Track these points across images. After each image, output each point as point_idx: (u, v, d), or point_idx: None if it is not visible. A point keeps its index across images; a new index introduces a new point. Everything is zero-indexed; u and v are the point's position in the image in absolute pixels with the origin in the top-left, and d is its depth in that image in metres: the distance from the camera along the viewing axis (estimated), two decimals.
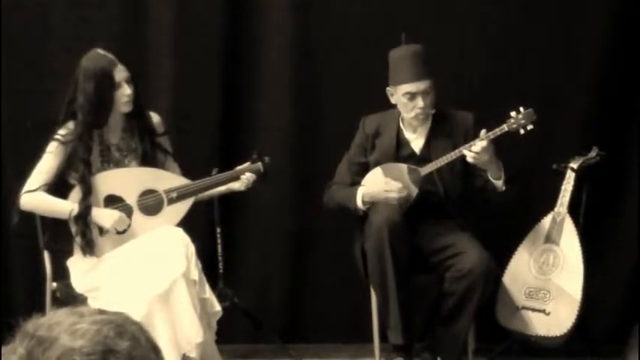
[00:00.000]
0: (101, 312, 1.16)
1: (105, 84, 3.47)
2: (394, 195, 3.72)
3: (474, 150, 3.60)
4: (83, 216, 3.50)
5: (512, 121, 3.66)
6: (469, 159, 3.63)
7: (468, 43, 4.29)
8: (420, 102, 3.72)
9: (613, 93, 4.23)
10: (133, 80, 3.54)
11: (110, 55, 3.51)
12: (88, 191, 3.51)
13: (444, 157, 3.71)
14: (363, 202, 3.78)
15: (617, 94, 4.23)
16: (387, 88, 3.80)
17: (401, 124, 3.88)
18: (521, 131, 3.66)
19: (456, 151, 3.68)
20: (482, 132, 3.63)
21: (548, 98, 4.22)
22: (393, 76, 3.79)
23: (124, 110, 3.56)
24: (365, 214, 3.78)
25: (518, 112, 3.67)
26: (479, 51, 4.29)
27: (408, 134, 3.87)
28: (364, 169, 3.90)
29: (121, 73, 3.50)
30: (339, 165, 3.98)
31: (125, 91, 3.51)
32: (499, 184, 3.70)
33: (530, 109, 3.67)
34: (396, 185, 3.74)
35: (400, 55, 3.77)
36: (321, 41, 4.35)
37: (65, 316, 1.11)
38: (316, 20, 4.34)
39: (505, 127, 3.65)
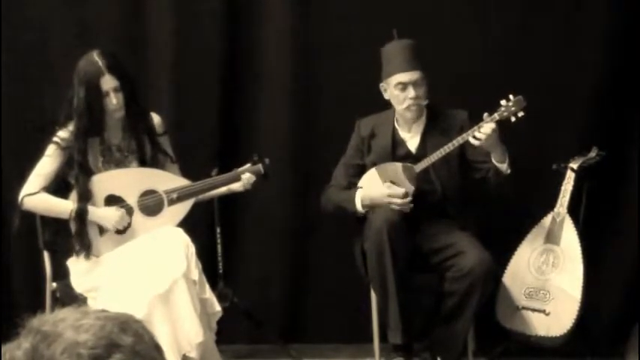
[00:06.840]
0: (105, 311, 1.17)
1: (92, 92, 3.46)
2: (397, 201, 3.71)
3: (484, 131, 3.56)
4: (79, 219, 3.51)
5: (502, 109, 3.64)
6: (474, 142, 3.59)
7: (468, 41, 4.28)
8: (411, 92, 3.71)
9: (613, 93, 4.23)
10: (122, 89, 3.49)
11: (100, 63, 3.46)
12: (83, 194, 3.51)
13: (438, 152, 3.69)
14: (363, 206, 3.79)
15: (618, 95, 4.22)
16: (381, 84, 3.81)
17: (396, 124, 3.88)
18: (512, 119, 3.64)
19: (459, 138, 3.65)
20: (485, 115, 3.61)
21: (549, 98, 4.22)
22: (385, 70, 3.79)
23: (116, 117, 3.55)
24: (364, 214, 3.79)
25: (508, 99, 3.66)
26: (478, 50, 4.29)
27: (403, 134, 3.87)
28: (361, 171, 3.90)
29: (107, 83, 3.46)
30: (335, 168, 3.98)
31: (112, 101, 3.49)
32: (504, 167, 3.67)
33: (520, 96, 3.65)
34: (399, 191, 3.73)
35: (391, 49, 3.79)
36: (320, 43, 4.35)
37: (70, 313, 1.12)
38: (315, 22, 4.34)
39: (496, 116, 3.62)
